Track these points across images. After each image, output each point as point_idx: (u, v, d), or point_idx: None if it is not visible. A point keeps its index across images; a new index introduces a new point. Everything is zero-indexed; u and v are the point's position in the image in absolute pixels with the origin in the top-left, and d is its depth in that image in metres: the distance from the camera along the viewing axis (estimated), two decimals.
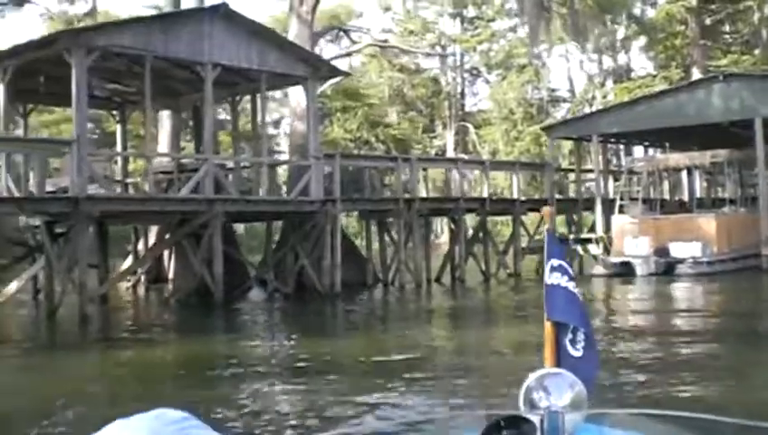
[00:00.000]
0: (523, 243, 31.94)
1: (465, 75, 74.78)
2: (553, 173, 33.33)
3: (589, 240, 32.05)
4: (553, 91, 70.06)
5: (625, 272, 29.00)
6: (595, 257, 31.32)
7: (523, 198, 32.56)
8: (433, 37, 70.65)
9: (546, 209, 4.01)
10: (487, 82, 74.11)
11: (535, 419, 2.49)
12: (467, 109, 74.73)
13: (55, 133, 67.01)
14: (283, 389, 11.65)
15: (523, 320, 18.57)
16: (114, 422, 1.93)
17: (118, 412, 2.04)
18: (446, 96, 72.13)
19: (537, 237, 33.32)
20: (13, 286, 22.62)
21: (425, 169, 31.20)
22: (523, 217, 32.25)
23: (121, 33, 20.62)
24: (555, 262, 3.43)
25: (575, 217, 34.64)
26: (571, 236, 32.80)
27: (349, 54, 42.07)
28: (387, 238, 29.06)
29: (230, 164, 27.01)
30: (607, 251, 31.00)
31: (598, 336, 15.54)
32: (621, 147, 46.68)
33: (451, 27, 71.90)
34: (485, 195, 30.83)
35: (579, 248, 31.97)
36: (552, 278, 3.40)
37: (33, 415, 9.98)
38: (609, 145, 42.09)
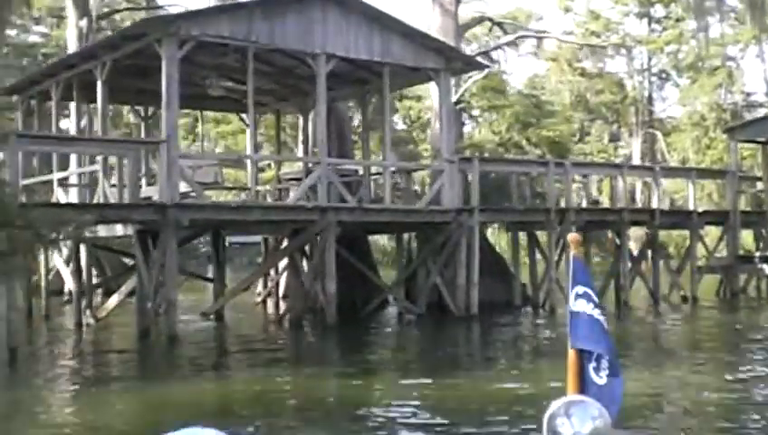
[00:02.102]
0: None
1: (653, 79, 70.25)
2: (737, 181, 29.08)
3: None
4: (749, 94, 64.47)
5: None
6: None
7: (700, 210, 28.49)
8: (617, 38, 66.51)
9: (572, 236, 3.81)
10: (677, 85, 69.28)
11: None
12: (656, 115, 70.15)
13: (232, 145, 66.59)
14: None
15: (726, 363, 14.96)
16: None
17: None
18: (633, 101, 67.92)
19: (718, 255, 29.28)
20: (113, 301, 20.94)
21: (585, 176, 27.65)
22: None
23: (218, 20, 18.36)
24: (581, 289, 3.44)
25: (764, 232, 30.21)
26: (758, 254, 28.58)
27: (498, 48, 38.82)
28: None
29: (362, 170, 24.50)
30: None
31: None
32: None
33: (637, 27, 67.72)
34: (655, 205, 27.06)
35: (765, 268, 27.76)
36: (576, 305, 3.42)
37: None
38: None
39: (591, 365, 3.36)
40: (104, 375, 14.55)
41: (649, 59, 68.67)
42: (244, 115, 27.74)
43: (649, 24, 67.56)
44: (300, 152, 27.27)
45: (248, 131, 27.52)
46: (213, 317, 22.26)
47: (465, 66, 23.20)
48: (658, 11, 67.07)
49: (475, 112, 49.29)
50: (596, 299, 3.41)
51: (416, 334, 20.75)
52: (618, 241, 26.29)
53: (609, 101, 67.88)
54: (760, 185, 32.09)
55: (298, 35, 19.28)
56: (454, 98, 30.25)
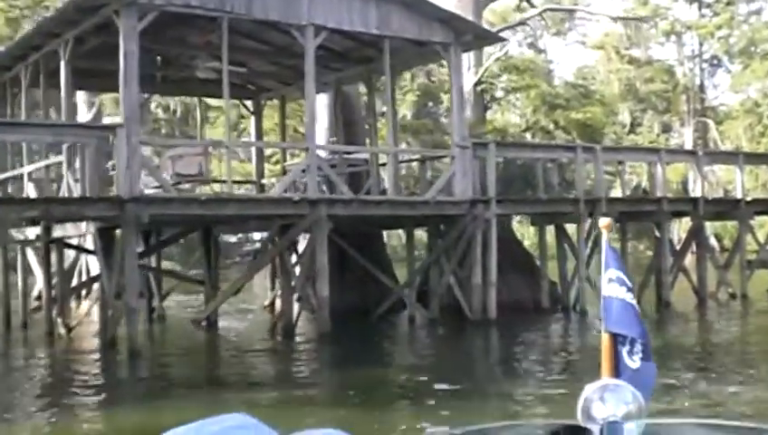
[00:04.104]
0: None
1: (704, 65, 67.25)
2: None
3: None
4: None
5: None
6: None
7: (749, 198, 25.70)
8: (666, 24, 63.72)
9: (604, 221, 3.75)
10: (729, 71, 66.28)
11: (594, 429, 2.54)
12: (708, 103, 67.26)
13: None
14: None
15: None
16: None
17: None
18: (684, 89, 65.06)
19: None
20: (84, 307, 18.86)
21: (620, 163, 24.92)
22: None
23: None
24: (613, 273, 3.45)
25: None
26: None
27: (523, 23, 36.11)
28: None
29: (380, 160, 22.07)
30: None
31: None
32: None
33: (687, 12, 64.79)
34: (698, 194, 24.37)
35: None
36: (609, 290, 3.46)
37: None
38: None
39: (625, 349, 3.41)
40: (39, 402, 12.33)
41: (700, 45, 66.04)
42: (248, 102, 25.62)
43: (699, 8, 64.87)
44: (323, 140, 24.78)
45: (252, 120, 25.66)
46: (205, 324, 20.08)
47: (477, 40, 20.65)
48: None
49: (499, 94, 46.46)
50: (629, 284, 3.44)
51: (419, 345, 18.30)
52: (657, 233, 23.66)
53: (659, 90, 65.55)
54: None
55: (281, 4, 16.94)
56: (474, 78, 27.83)
